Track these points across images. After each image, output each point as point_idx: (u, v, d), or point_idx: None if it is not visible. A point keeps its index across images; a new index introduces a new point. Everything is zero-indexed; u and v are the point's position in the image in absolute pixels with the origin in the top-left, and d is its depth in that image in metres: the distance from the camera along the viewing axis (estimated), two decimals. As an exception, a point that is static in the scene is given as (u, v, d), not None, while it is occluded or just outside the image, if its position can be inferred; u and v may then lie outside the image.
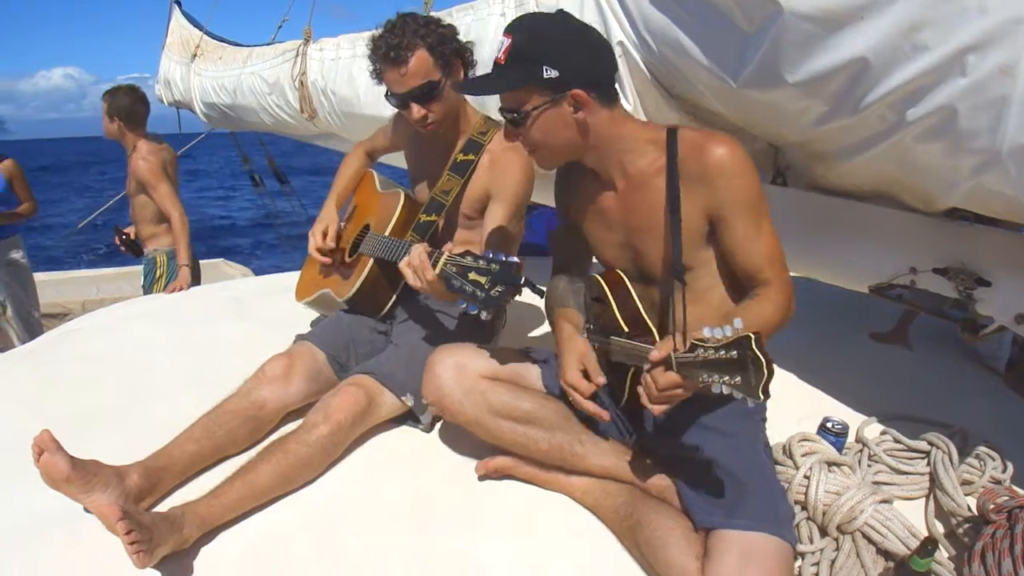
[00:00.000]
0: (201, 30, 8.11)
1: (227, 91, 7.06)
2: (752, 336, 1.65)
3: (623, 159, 2.28)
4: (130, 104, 5.32)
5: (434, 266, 2.40)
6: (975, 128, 2.12)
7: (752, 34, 2.45)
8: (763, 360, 1.63)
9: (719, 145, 2.13)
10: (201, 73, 7.64)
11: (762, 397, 1.65)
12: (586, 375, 2.32)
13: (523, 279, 2.29)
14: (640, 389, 2.01)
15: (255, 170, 9.43)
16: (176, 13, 8.81)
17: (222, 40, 7.79)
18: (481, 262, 2.28)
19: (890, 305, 3.02)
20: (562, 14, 2.20)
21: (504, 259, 2.26)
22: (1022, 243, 2.54)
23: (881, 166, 2.58)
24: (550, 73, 2.10)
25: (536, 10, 3.38)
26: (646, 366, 1.98)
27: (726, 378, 1.70)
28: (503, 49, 2.15)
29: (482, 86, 2.41)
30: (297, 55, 5.77)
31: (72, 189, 48.21)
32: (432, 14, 4.19)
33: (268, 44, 6.79)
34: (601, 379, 2.30)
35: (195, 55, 7.90)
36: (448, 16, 3.97)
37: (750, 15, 2.40)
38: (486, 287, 2.25)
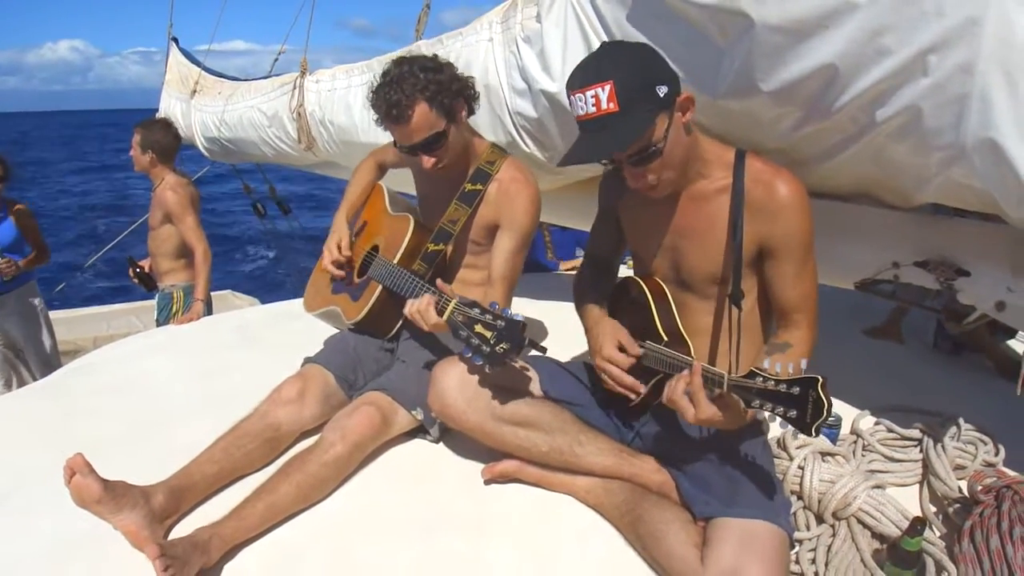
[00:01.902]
0: (199, 66, 8.19)
1: (227, 125, 7.11)
2: (821, 379, 1.77)
3: (690, 169, 2.31)
4: (164, 139, 5.44)
5: (441, 313, 2.49)
6: (940, 125, 2.21)
7: (726, 48, 2.54)
8: (825, 403, 1.76)
9: (788, 182, 2.21)
10: (201, 109, 7.72)
11: (814, 434, 1.79)
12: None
13: (528, 340, 2.37)
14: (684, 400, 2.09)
15: (257, 199, 9.47)
16: (174, 50, 8.86)
17: (220, 75, 7.87)
18: (488, 316, 2.37)
19: (879, 300, 3.09)
20: (611, 43, 2.23)
21: (511, 317, 2.34)
22: (998, 233, 2.62)
23: (857, 167, 2.66)
24: (662, 90, 2.08)
25: (521, 33, 3.48)
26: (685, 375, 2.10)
27: (780, 409, 1.83)
28: (608, 95, 2.03)
29: (621, 140, 2.11)
30: (294, 87, 5.83)
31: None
32: (423, 42, 4.28)
33: (266, 77, 6.87)
34: (637, 350, 2.36)
35: (194, 91, 7.97)
36: (439, 43, 4.05)
37: (724, 29, 2.49)
38: (491, 342, 2.34)
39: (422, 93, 2.68)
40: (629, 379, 2.36)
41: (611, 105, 2.04)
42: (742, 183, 2.24)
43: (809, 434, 1.79)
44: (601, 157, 2.21)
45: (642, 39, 2.69)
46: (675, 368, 2.23)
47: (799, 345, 2.23)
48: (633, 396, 2.38)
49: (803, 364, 1.85)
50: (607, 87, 2.03)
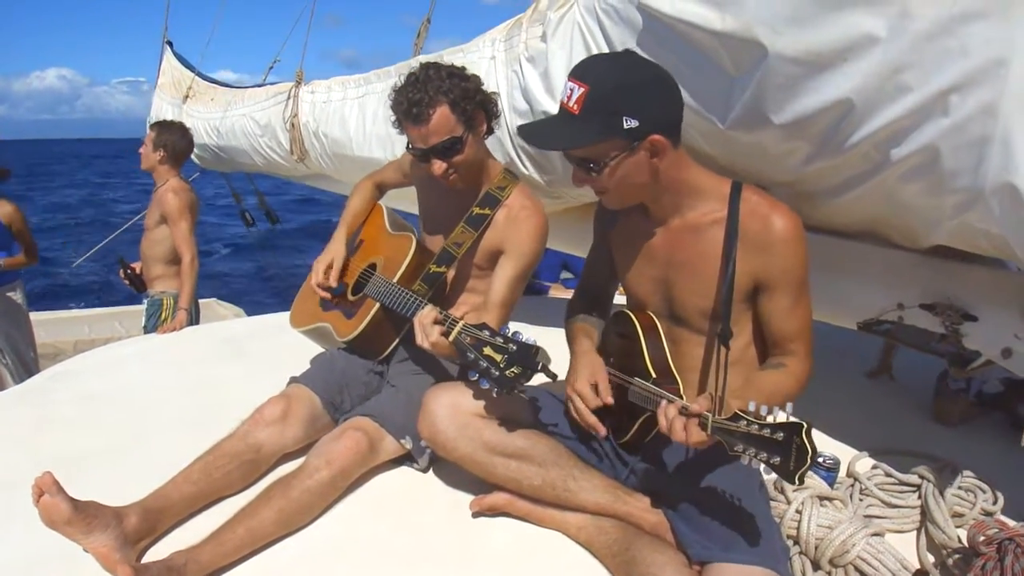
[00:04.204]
0: (193, 71, 8.18)
1: (219, 133, 7.10)
2: (805, 425, 1.72)
3: (682, 202, 2.28)
4: (179, 141, 5.42)
5: (447, 335, 2.41)
6: (958, 167, 2.17)
7: (737, 77, 2.50)
8: (809, 450, 1.71)
9: (785, 216, 2.16)
10: (193, 114, 7.69)
11: (797, 483, 1.74)
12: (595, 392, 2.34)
13: (540, 364, 2.30)
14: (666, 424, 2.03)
15: (246, 208, 9.44)
16: (168, 54, 8.86)
17: (214, 82, 7.84)
18: (498, 339, 2.31)
19: (877, 340, 3.05)
20: (630, 55, 2.18)
21: (523, 341, 2.28)
22: (1007, 279, 2.59)
23: (867, 205, 2.62)
24: (630, 123, 2.05)
25: (525, 52, 3.43)
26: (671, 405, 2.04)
27: (763, 455, 1.77)
28: (576, 98, 2.08)
29: (558, 140, 2.25)
30: (289, 97, 5.82)
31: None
32: (422, 58, 4.25)
33: (260, 86, 6.84)
34: (610, 399, 2.30)
35: (187, 96, 7.96)
36: (438, 59, 4.02)
37: (737, 58, 2.45)
38: (501, 366, 2.27)
39: (446, 96, 2.65)
40: (591, 417, 2.31)
41: (575, 106, 2.08)
42: (736, 217, 2.19)
43: (792, 482, 1.74)
44: (539, 144, 2.44)
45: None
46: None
47: (794, 367, 2.21)
48: (593, 433, 2.34)
49: (788, 408, 1.80)
50: (582, 89, 2.07)
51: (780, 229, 2.15)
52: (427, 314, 2.50)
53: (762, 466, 1.79)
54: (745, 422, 1.81)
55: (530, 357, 2.27)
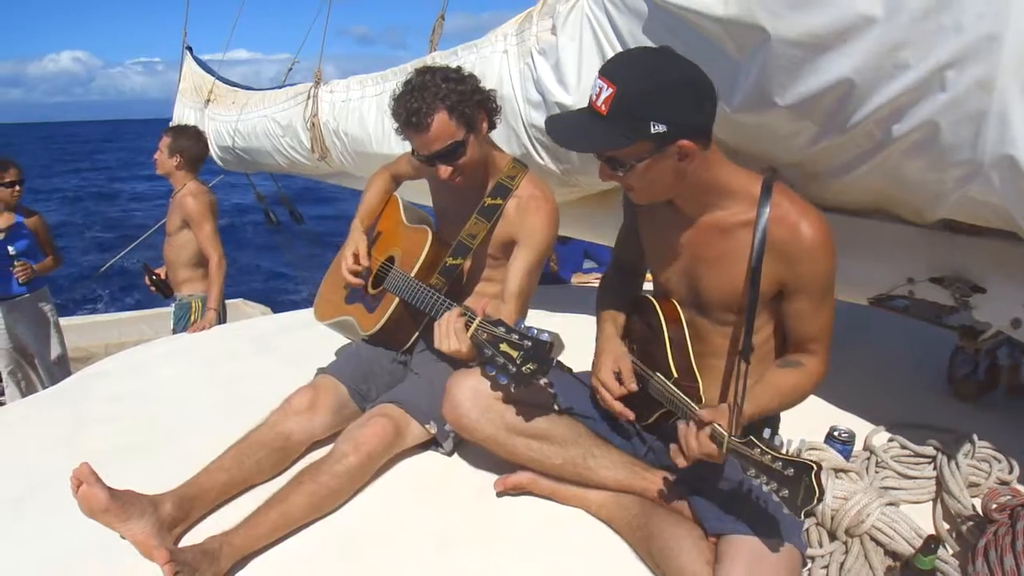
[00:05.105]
0: (213, 75, 8.23)
1: (241, 135, 7.14)
2: (815, 468, 1.80)
3: (711, 201, 2.22)
4: (194, 146, 5.44)
5: (465, 328, 2.46)
6: (957, 141, 2.20)
7: (742, 61, 2.53)
8: (817, 491, 1.78)
9: (814, 225, 2.10)
10: (215, 118, 7.75)
11: (801, 517, 1.83)
12: (619, 380, 2.39)
13: (555, 360, 2.34)
14: (674, 447, 2.11)
15: (269, 206, 9.49)
16: (188, 59, 8.92)
17: (234, 85, 7.90)
18: (514, 335, 2.33)
19: (891, 314, 3.08)
20: (665, 54, 2.06)
21: (537, 336, 2.30)
22: (1015, 250, 2.60)
23: (872, 182, 2.65)
24: (658, 128, 1.97)
25: (536, 45, 3.49)
26: (688, 422, 2.10)
27: (773, 484, 1.87)
28: (604, 98, 1.99)
29: (584, 141, 2.17)
30: (308, 97, 5.86)
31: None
32: (437, 54, 4.29)
33: (280, 87, 6.90)
34: (633, 386, 2.35)
35: (208, 100, 8.02)
36: (453, 55, 4.06)
37: (740, 43, 2.49)
38: (517, 362, 2.30)
39: (443, 102, 2.64)
40: (617, 405, 2.37)
41: (603, 107, 2.00)
42: (765, 223, 2.13)
43: (798, 516, 1.83)
44: (564, 143, 2.25)
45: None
46: (679, 408, 2.23)
47: (812, 366, 2.23)
48: (628, 418, 2.40)
49: (803, 445, 1.87)
50: (610, 90, 1.98)
51: (808, 237, 2.10)
52: (454, 318, 2.54)
53: (773, 495, 1.87)
54: (759, 450, 1.88)
55: (544, 352, 2.29)
